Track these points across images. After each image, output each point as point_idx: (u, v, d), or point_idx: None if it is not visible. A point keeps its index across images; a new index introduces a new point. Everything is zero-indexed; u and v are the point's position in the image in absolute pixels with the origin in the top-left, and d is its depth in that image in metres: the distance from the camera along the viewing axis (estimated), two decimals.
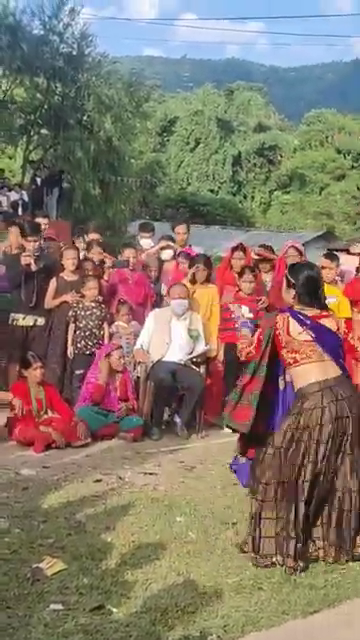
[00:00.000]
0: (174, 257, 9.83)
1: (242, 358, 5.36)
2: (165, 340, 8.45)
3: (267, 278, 9.43)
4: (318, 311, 4.96)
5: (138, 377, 8.57)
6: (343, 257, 11.93)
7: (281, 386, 5.14)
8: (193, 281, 8.88)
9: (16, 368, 8.35)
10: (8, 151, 30.59)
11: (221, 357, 8.79)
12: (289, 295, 5.04)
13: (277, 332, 4.87)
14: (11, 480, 6.16)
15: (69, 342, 8.80)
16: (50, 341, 8.96)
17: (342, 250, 18.60)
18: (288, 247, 9.16)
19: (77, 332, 8.73)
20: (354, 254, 14.08)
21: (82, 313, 8.75)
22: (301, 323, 4.85)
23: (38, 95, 25.75)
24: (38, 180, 23.64)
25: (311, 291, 4.97)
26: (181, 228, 10.06)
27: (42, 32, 24.92)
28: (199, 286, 8.91)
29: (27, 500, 5.63)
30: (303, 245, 14.00)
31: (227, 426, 5.25)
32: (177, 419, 8.38)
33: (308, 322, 4.86)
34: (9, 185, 24.19)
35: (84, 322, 8.74)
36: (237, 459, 5.91)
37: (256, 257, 9.83)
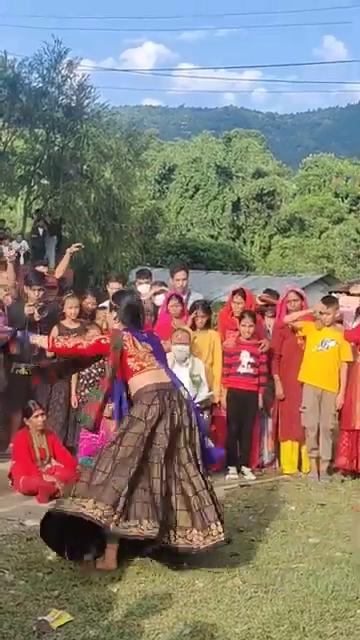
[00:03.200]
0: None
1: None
2: None
3: (271, 323, 9.45)
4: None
5: None
6: (344, 298, 11.98)
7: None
8: (193, 327, 8.87)
9: (19, 417, 8.32)
10: (9, 202, 30.91)
11: (224, 403, 8.77)
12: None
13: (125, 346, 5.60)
14: (15, 531, 6.11)
15: (73, 391, 8.80)
16: (53, 389, 8.95)
17: (342, 292, 18.66)
18: (288, 291, 9.19)
19: (80, 380, 8.73)
20: (354, 295, 14.10)
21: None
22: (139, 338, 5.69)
23: (38, 146, 26.14)
24: (40, 230, 23.84)
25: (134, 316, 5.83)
26: (180, 274, 9.99)
27: (41, 84, 25.37)
28: (199, 332, 8.89)
29: (32, 551, 5.57)
30: (304, 288, 14.05)
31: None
32: None
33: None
34: (10, 235, 24.39)
35: (87, 370, 8.73)
36: None
37: (260, 303, 9.85)
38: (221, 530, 5.21)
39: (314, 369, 8.60)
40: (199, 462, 5.42)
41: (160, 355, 5.86)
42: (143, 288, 10.07)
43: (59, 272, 10.78)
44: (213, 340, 8.95)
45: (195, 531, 5.18)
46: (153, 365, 5.61)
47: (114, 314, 5.94)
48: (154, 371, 5.58)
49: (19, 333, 7.33)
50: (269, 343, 8.98)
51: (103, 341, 5.73)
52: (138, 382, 5.54)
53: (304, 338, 8.78)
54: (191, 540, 5.17)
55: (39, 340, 6.38)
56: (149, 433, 5.28)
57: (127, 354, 5.58)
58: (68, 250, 10.90)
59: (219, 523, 5.23)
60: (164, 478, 5.21)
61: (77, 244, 11.40)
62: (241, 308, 9.08)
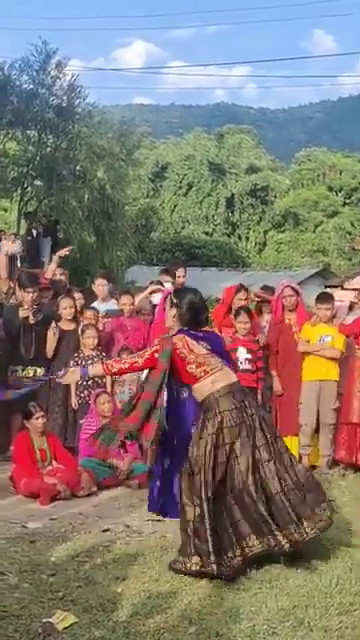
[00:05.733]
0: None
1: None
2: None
3: (267, 319, 9.46)
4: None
5: None
6: (338, 293, 11.98)
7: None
8: None
9: (19, 420, 8.33)
10: (3, 204, 30.86)
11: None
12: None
13: (177, 351, 5.37)
14: (18, 534, 6.11)
15: (72, 393, 8.80)
16: (51, 391, 8.96)
17: (338, 286, 18.66)
18: (284, 287, 9.19)
19: (79, 382, 8.72)
20: (348, 289, 14.13)
21: (83, 363, 8.75)
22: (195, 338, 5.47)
23: (30, 147, 26.08)
24: (34, 232, 23.80)
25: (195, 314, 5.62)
26: (180, 271, 10.16)
27: (31, 86, 25.32)
28: None
29: (35, 554, 5.57)
30: (300, 283, 14.01)
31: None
32: None
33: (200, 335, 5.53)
34: (5, 237, 24.30)
35: None
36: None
37: (256, 299, 9.86)
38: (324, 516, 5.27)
39: (314, 365, 8.62)
40: (282, 456, 5.35)
41: (220, 351, 5.63)
42: (168, 287, 10.03)
43: (48, 274, 10.77)
44: None
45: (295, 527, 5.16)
46: (217, 366, 5.40)
47: (173, 311, 5.78)
48: (219, 373, 5.38)
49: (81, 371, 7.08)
50: (265, 339, 9.00)
51: (156, 354, 5.48)
52: (206, 388, 5.35)
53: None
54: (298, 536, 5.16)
55: (95, 371, 6.34)
56: (229, 443, 5.21)
57: (185, 361, 5.38)
58: (58, 253, 11.01)
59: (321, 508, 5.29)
60: (258, 483, 5.18)
61: (67, 248, 11.50)
62: (245, 304, 9.10)
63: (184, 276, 10.15)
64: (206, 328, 5.80)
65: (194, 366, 5.36)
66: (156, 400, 5.39)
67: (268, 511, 5.12)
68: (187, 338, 5.46)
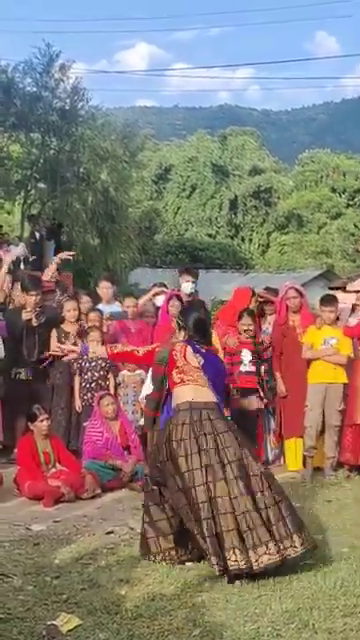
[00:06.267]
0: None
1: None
2: None
3: (271, 320, 9.45)
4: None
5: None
6: (340, 295, 11.97)
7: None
8: None
9: (22, 423, 8.33)
10: (6, 206, 30.91)
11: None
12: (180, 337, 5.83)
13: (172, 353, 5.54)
14: (22, 536, 6.11)
15: (76, 395, 8.81)
16: (54, 393, 8.97)
17: (341, 288, 18.64)
18: (287, 288, 9.19)
19: (83, 384, 8.74)
20: (350, 292, 14.12)
21: (86, 365, 8.76)
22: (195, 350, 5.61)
23: (34, 150, 26.11)
24: (37, 234, 23.84)
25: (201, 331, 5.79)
26: (188, 277, 10.23)
27: (34, 89, 25.36)
28: None
29: (39, 556, 5.57)
30: (304, 284, 14.02)
31: None
32: None
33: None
34: (9, 240, 24.34)
35: (89, 374, 8.76)
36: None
37: (260, 300, 9.86)
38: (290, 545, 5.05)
39: (320, 368, 8.60)
40: (252, 479, 5.14)
41: (210, 372, 5.63)
42: (185, 286, 10.02)
43: (46, 277, 10.69)
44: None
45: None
46: (197, 380, 5.44)
47: (182, 333, 5.84)
48: (193, 386, 5.42)
49: (82, 347, 7.43)
50: (269, 340, 9.01)
51: (156, 351, 5.71)
52: (176, 395, 5.44)
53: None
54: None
55: (96, 349, 6.56)
56: (177, 455, 5.15)
57: (174, 365, 5.51)
58: (59, 255, 11.04)
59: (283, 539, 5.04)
60: (212, 497, 5.03)
61: (68, 253, 11.54)
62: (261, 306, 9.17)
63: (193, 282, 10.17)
64: (212, 347, 6.01)
65: (177, 371, 5.48)
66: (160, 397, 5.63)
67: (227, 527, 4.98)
68: (187, 347, 5.61)
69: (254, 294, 9.38)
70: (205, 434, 5.17)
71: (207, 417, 5.25)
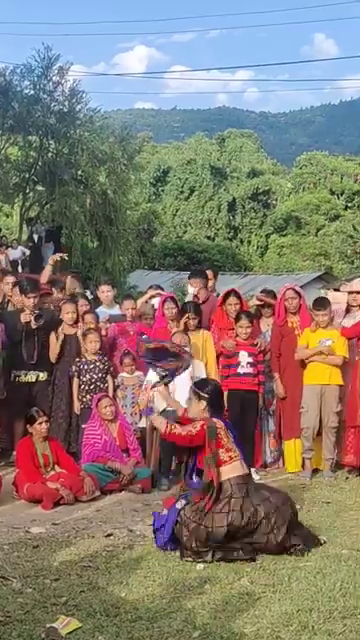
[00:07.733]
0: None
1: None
2: (169, 388, 8.39)
3: (269, 322, 9.45)
4: None
5: (144, 428, 8.55)
6: (332, 294, 11.92)
7: None
8: (185, 329, 8.84)
9: (21, 425, 8.32)
10: (5, 209, 30.93)
11: (225, 404, 8.74)
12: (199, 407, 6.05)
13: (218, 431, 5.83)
14: (21, 539, 6.11)
15: (75, 397, 8.80)
16: (54, 396, 8.96)
17: (337, 290, 18.58)
18: (286, 289, 9.18)
19: (81, 386, 8.73)
20: (343, 292, 14.08)
21: (85, 367, 8.75)
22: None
23: (32, 153, 26.16)
24: (35, 237, 23.88)
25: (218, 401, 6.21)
26: (209, 273, 10.36)
27: (33, 91, 25.39)
28: (191, 333, 8.86)
29: (38, 559, 5.57)
30: (302, 287, 14.01)
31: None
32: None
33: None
34: (7, 242, 24.39)
35: (88, 376, 8.75)
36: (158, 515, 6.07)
37: (258, 302, 9.85)
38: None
39: (317, 370, 8.59)
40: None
41: (237, 440, 6.04)
42: (189, 291, 10.02)
43: (42, 279, 10.69)
44: (205, 339, 8.95)
45: None
46: (238, 456, 5.88)
47: (203, 404, 6.03)
48: (238, 462, 5.85)
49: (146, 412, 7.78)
50: (266, 342, 8.99)
51: (204, 427, 5.87)
52: (225, 473, 5.77)
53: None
54: None
55: (156, 422, 6.38)
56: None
57: (220, 443, 5.81)
58: (52, 257, 11.11)
59: None
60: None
61: (59, 254, 11.60)
62: (237, 309, 9.05)
63: (211, 279, 10.26)
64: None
65: (224, 450, 5.82)
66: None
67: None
68: (222, 423, 5.95)
69: (228, 295, 9.30)
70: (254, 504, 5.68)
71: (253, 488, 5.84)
